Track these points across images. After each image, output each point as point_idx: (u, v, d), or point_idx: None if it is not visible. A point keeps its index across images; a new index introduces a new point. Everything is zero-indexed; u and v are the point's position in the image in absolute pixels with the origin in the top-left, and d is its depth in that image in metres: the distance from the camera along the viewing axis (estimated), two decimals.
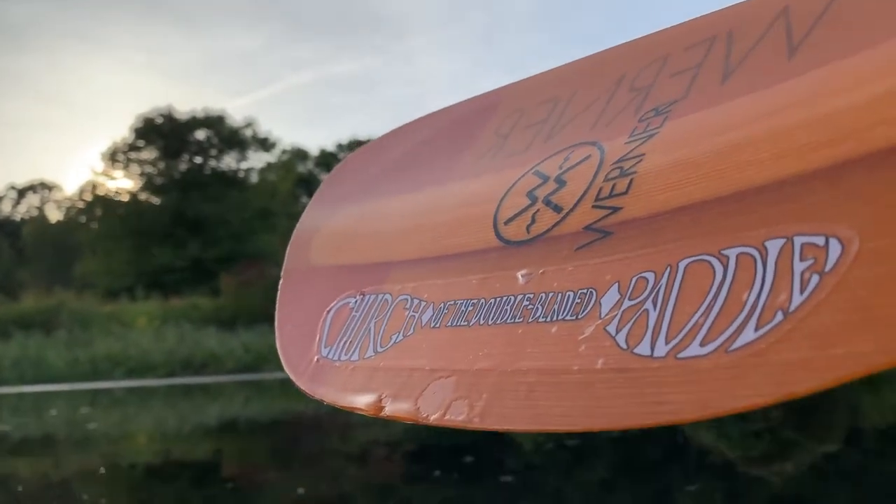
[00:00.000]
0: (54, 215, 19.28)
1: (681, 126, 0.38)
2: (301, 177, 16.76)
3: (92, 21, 27.09)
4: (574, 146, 0.44)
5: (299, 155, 17.25)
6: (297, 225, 0.64)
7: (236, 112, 28.22)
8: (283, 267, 0.61)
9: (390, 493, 2.51)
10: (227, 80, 28.55)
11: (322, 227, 0.61)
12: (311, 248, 0.60)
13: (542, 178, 0.44)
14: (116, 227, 15.12)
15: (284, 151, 17.31)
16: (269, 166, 17.04)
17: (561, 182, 0.42)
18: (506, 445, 3.34)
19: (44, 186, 18.96)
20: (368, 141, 0.69)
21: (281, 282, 0.60)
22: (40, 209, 19.42)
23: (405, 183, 0.57)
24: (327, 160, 16.64)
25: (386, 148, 0.64)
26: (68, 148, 31.52)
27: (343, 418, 4.37)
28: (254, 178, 16.86)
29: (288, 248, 0.63)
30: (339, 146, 16.71)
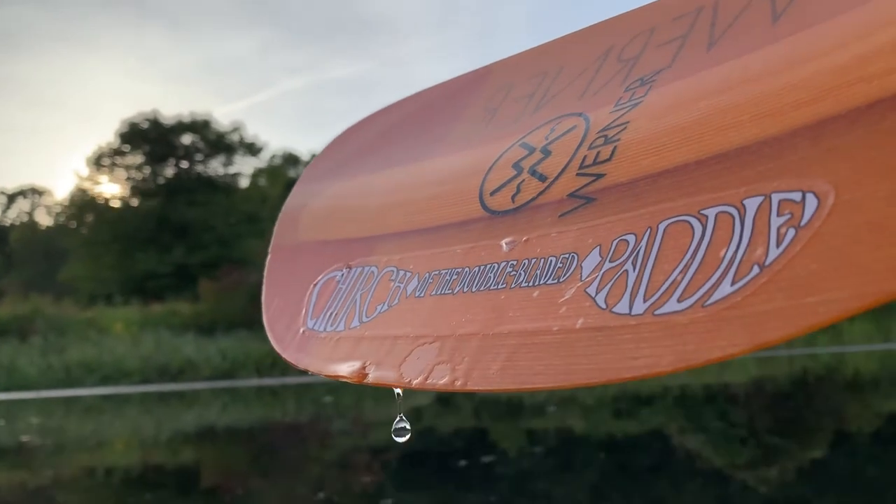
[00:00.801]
0: (45, 220, 19.14)
1: (665, 93, 0.38)
2: (292, 181, 16.67)
3: (85, 25, 27.03)
4: (560, 117, 0.44)
5: (290, 159, 17.17)
6: (286, 202, 0.64)
7: (231, 117, 28.17)
8: (271, 243, 0.61)
9: (370, 502, 2.49)
10: (221, 86, 28.54)
11: (310, 202, 0.61)
12: (299, 224, 0.60)
13: (528, 150, 0.44)
14: (101, 232, 15.02)
15: (274, 156, 17.26)
16: (260, 171, 16.96)
17: (546, 152, 0.42)
18: (494, 451, 3.33)
19: (34, 191, 18.82)
20: None
21: (268, 258, 0.60)
22: (30, 214, 19.25)
23: (394, 157, 0.57)
24: None
25: (374, 124, 0.64)
26: (60, 153, 31.42)
27: (322, 426, 4.32)
28: (241, 183, 16.78)
29: (276, 224, 0.62)
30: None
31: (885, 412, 4.06)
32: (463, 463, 3.02)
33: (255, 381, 7.54)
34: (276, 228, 0.62)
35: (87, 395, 6.94)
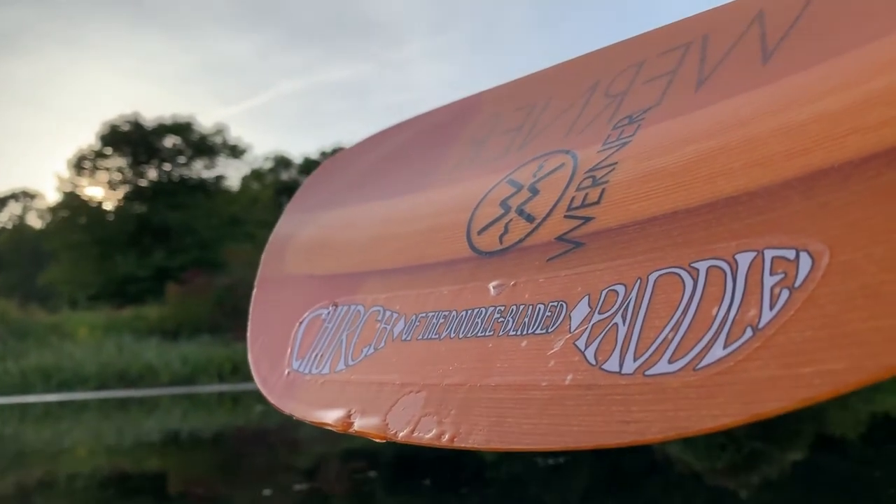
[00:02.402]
0: (37, 224, 19.03)
1: (654, 134, 0.37)
2: (284, 185, 16.55)
3: (81, 27, 26.90)
4: (548, 154, 0.43)
5: (282, 162, 17.07)
6: (273, 233, 0.63)
7: (229, 120, 28.05)
8: (258, 276, 0.60)
9: None
10: (219, 88, 28.48)
11: (296, 234, 0.60)
12: (286, 257, 0.59)
13: (515, 187, 0.43)
14: (81, 235, 14.73)
15: (267, 159, 17.17)
16: (252, 173, 16.86)
17: (534, 191, 0.41)
18: (481, 458, 3.28)
19: (25, 195, 18.65)
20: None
21: (255, 291, 0.59)
22: (21, 218, 19.10)
23: (381, 190, 0.56)
24: (310, 168, 16.54)
25: (362, 154, 0.63)
26: (55, 156, 31.27)
27: (289, 433, 4.20)
28: (223, 186, 16.50)
29: (263, 256, 0.61)
30: (323, 153, 16.56)
31: (862, 416, 4.00)
32: (442, 471, 2.96)
33: (215, 387, 7.35)
34: (262, 260, 0.61)
35: (43, 402, 6.68)
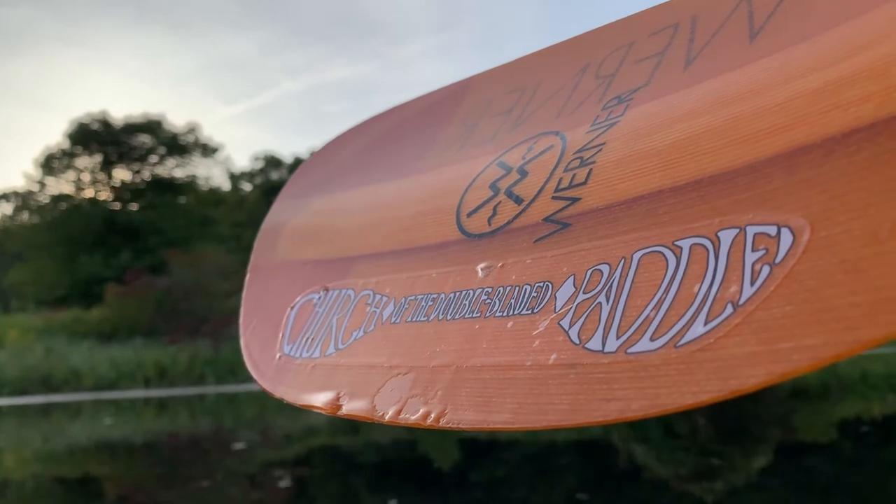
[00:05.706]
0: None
1: (642, 114, 0.37)
2: (273, 185, 16.46)
3: (83, 26, 26.81)
4: (538, 136, 0.43)
5: (272, 162, 16.97)
6: (266, 218, 0.63)
7: (231, 119, 27.95)
8: (250, 262, 0.60)
9: None
10: (221, 87, 28.39)
11: (289, 221, 0.60)
12: (278, 243, 0.59)
13: (505, 169, 0.43)
14: (47, 235, 14.48)
15: (257, 158, 17.09)
16: (241, 174, 16.75)
17: (523, 173, 0.41)
18: (462, 461, 3.21)
19: (17, 195, 18.50)
20: None
21: (247, 277, 0.59)
22: (12, 217, 18.95)
23: (373, 174, 0.56)
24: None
25: (354, 139, 0.63)
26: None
27: (226, 439, 3.98)
28: (196, 185, 16.26)
29: (255, 242, 0.61)
30: (313, 152, 16.36)
31: (834, 420, 3.91)
32: (425, 475, 2.90)
33: (140, 393, 7.03)
34: (255, 246, 0.61)
35: None
